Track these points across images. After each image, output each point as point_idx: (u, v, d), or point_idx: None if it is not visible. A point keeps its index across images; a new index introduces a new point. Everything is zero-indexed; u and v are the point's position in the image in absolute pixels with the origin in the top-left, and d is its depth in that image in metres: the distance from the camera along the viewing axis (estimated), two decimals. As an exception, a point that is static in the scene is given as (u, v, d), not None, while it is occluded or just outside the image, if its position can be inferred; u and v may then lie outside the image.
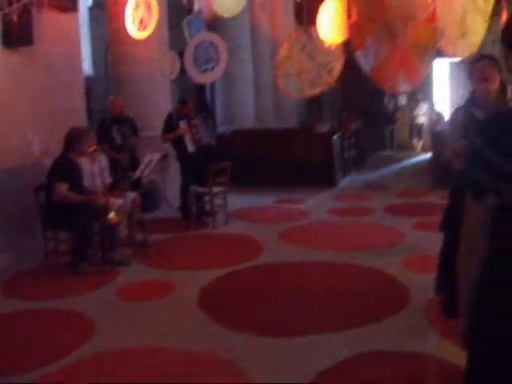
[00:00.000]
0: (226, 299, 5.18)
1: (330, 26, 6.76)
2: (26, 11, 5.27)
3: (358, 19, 5.80)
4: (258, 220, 8.47)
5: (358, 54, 5.85)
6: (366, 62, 5.76)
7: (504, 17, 8.18)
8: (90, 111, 8.25)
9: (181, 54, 10.18)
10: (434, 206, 9.09)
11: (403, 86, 6.10)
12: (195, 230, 7.91)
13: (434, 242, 6.71)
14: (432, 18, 5.30)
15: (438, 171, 10.82)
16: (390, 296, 5.12)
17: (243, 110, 13.78)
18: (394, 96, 18.29)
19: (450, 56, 6.08)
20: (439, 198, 9.61)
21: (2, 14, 4.82)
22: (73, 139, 6.09)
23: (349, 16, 6.30)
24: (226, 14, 7.21)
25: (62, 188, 5.88)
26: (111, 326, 4.56)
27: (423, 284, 5.25)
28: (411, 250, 6.52)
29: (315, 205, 9.52)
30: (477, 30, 5.26)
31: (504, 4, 6.43)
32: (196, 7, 13.72)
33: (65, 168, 6.01)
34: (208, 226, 8.08)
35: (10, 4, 4.52)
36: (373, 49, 5.67)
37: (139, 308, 5.00)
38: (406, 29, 5.29)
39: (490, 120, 1.86)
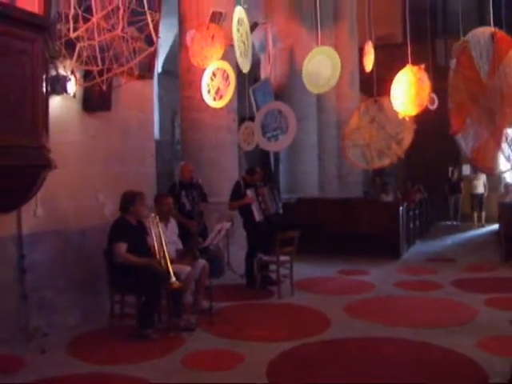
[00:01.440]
0: (295, 374, 5.02)
1: (404, 98, 6.74)
2: (108, 80, 5.46)
3: (458, 100, 5.79)
4: (324, 291, 8.31)
5: (458, 137, 5.80)
6: (466, 143, 5.71)
7: None
8: (156, 175, 8.38)
9: (242, 121, 10.36)
10: (506, 281, 8.80)
11: (500, 167, 6.01)
12: (260, 298, 7.82)
13: (510, 320, 6.48)
14: None
15: (508, 244, 10.51)
16: (466, 380, 4.87)
17: (307, 178, 13.82)
18: (458, 166, 18.10)
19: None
20: (511, 273, 9.31)
21: (92, 83, 5.00)
22: (127, 202, 6.17)
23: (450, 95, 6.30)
24: (317, 91, 7.26)
25: (122, 248, 5.94)
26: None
27: (502, 367, 5.00)
28: (486, 330, 6.21)
29: (380, 277, 9.31)
30: None
31: None
32: (262, 75, 14.06)
33: (122, 229, 6.08)
34: (273, 295, 7.97)
35: (99, 73, 4.70)
36: (472, 130, 5.63)
37: (207, 379, 4.88)
38: (503, 109, 5.24)
39: None
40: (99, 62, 4.76)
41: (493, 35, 5.67)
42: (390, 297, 8.00)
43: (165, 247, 5.96)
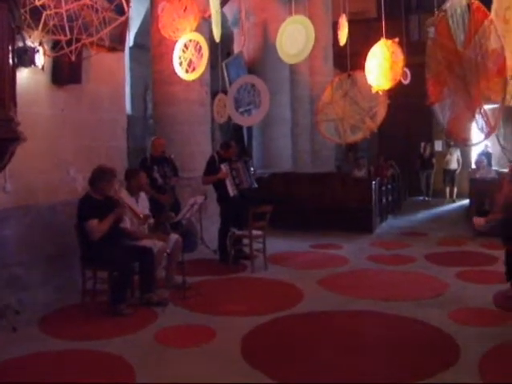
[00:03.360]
0: (269, 348, 5.02)
1: (378, 72, 6.71)
2: (79, 51, 5.32)
3: (435, 70, 5.78)
4: (297, 265, 8.33)
5: (435, 107, 5.80)
6: (442, 114, 5.72)
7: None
8: (128, 150, 8.27)
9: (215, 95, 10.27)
10: (476, 255, 8.92)
11: (474, 139, 6.04)
12: (233, 273, 7.82)
13: (480, 293, 6.59)
14: (503, 68, 5.24)
15: (478, 220, 10.61)
16: (438, 350, 4.92)
17: (280, 152, 13.79)
18: (430, 142, 18.22)
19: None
20: (481, 247, 9.44)
21: (60, 54, 4.87)
22: (96, 179, 6.07)
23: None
24: (290, 61, 7.17)
25: (93, 224, 5.83)
26: (151, 374, 4.43)
27: (473, 338, 5.08)
28: (457, 302, 6.30)
29: (353, 251, 9.36)
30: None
31: None
32: (235, 49, 13.92)
33: (89, 206, 5.97)
34: (246, 269, 7.98)
35: (67, 43, 4.56)
36: (449, 100, 5.63)
37: (180, 354, 4.85)
38: (478, 80, 5.24)
39: None
40: (67, 32, 4.63)
41: (469, 5, 5.67)
42: (362, 270, 8.05)
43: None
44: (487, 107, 5.64)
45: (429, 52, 6.20)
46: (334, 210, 11.20)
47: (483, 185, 11.06)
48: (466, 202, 15.24)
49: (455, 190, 17.38)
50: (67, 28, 4.72)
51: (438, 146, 18.77)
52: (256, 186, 8.64)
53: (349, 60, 8.97)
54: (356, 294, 6.67)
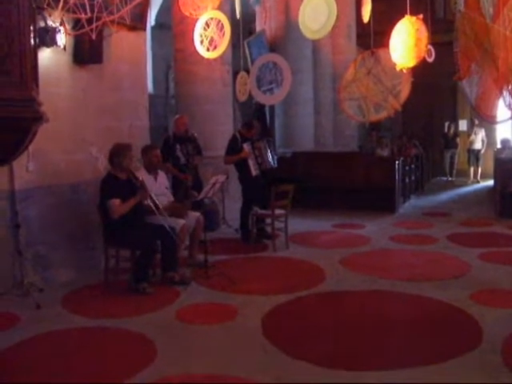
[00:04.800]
0: (290, 327, 5.03)
1: (402, 49, 6.61)
2: (99, 30, 5.30)
3: (464, 44, 5.66)
4: (318, 244, 8.32)
5: (464, 83, 5.70)
6: (470, 90, 5.62)
7: None
8: (150, 129, 8.28)
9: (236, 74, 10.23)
10: (500, 237, 8.83)
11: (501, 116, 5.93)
12: (255, 252, 7.83)
13: (503, 274, 6.52)
14: None
15: (502, 200, 10.51)
16: (459, 332, 4.88)
17: (302, 132, 13.69)
18: (455, 121, 18.00)
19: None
20: (506, 228, 9.34)
21: (81, 32, 4.86)
22: (113, 155, 6.09)
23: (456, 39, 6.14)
24: (312, 37, 7.09)
25: (115, 204, 5.85)
26: (173, 350, 4.48)
27: (495, 320, 5.04)
28: (479, 283, 6.25)
29: (375, 231, 9.32)
30: None
31: None
32: (258, 27, 13.81)
33: (110, 185, 5.99)
34: (268, 248, 7.98)
35: (88, 22, 4.54)
36: (477, 76, 5.53)
37: (201, 332, 4.90)
38: (507, 54, 5.13)
39: None
40: (88, 10, 4.61)
41: None
42: (385, 250, 8.01)
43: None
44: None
45: (457, 25, 6.07)
46: (356, 189, 11.14)
47: (509, 165, 10.90)
48: (491, 182, 15.09)
49: (479, 170, 17.16)
50: (88, 6, 4.70)
51: (463, 125, 18.51)
52: (276, 165, 8.61)
53: (372, 38, 8.85)
54: (378, 274, 6.64)
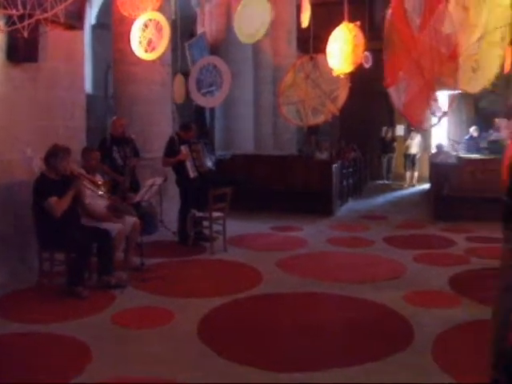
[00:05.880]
0: (226, 330, 5.03)
1: (340, 55, 6.71)
2: (34, 27, 5.17)
3: (392, 52, 5.79)
4: (256, 247, 8.36)
5: (391, 90, 5.83)
6: (398, 97, 5.76)
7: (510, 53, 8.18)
8: (88, 130, 8.13)
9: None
10: (434, 238, 9.07)
11: (429, 123, 6.11)
12: (193, 255, 7.80)
13: (436, 275, 6.71)
14: (454, 54, 5.31)
15: (438, 203, 10.81)
16: (392, 332, 5.00)
17: (242, 135, 13.75)
18: (392, 126, 18.39)
19: (460, 89, 6.08)
20: (440, 230, 9.60)
21: (12, 29, 4.71)
22: (50, 156, 5.97)
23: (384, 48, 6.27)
24: (247, 41, 7.12)
25: (53, 201, 5.72)
26: (108, 354, 4.41)
27: (427, 320, 5.18)
28: (413, 284, 6.41)
29: (313, 233, 9.43)
30: (489, 65, 5.24)
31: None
32: (199, 30, 13.79)
33: (44, 186, 5.87)
34: (206, 251, 7.96)
35: (20, 18, 4.41)
36: (404, 83, 5.67)
37: (137, 336, 4.84)
38: (432, 64, 5.29)
39: None
40: (19, 6, 4.49)
41: None
42: (322, 253, 8.11)
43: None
44: (442, 92, 5.71)
45: (386, 34, 6.22)
46: (294, 192, 11.24)
47: (443, 169, 11.21)
48: (426, 186, 15.50)
49: (416, 174, 17.60)
50: (19, 2, 4.58)
51: (400, 130, 18.93)
52: (214, 168, 8.63)
53: (311, 43, 8.96)
54: (314, 276, 6.72)
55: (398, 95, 5.78)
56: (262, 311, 5.60)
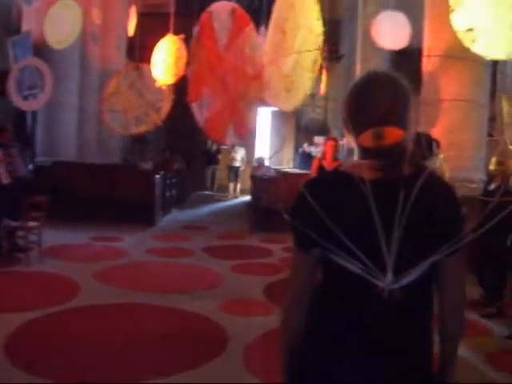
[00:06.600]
0: (37, 346, 4.82)
1: (163, 66, 6.78)
2: None
3: (198, 68, 5.92)
4: (74, 258, 8.09)
5: (194, 105, 5.95)
6: (199, 112, 5.88)
7: (324, 76, 8.75)
8: None
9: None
10: (252, 249, 9.41)
11: (231, 139, 6.31)
12: (6, 266, 7.36)
13: (251, 284, 6.97)
14: (259, 74, 5.58)
15: (257, 215, 11.22)
16: (207, 341, 5.12)
17: (66, 141, 13.23)
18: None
19: (274, 107, 6.41)
20: (258, 241, 9.98)
21: None
22: None
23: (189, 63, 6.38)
24: (57, 47, 6.93)
25: None
26: None
27: (241, 328, 5.36)
28: (230, 293, 6.61)
29: (134, 244, 9.36)
30: (302, 86, 5.56)
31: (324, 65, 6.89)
32: (24, 27, 13.10)
33: None
34: (21, 263, 7.57)
35: None
36: (207, 100, 5.82)
37: None
38: (237, 83, 5.50)
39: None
40: None
41: (233, 11, 5.95)
42: (142, 263, 8.09)
43: None
44: (247, 110, 5.98)
45: (192, 51, 6.36)
46: (117, 201, 11.04)
47: (262, 182, 11.66)
48: (249, 197, 16.01)
49: (239, 186, 18.14)
50: None
51: (225, 142, 19.36)
52: (31, 174, 8.26)
53: (138, 52, 8.96)
54: (132, 287, 6.68)
55: (200, 110, 5.94)
56: (79, 324, 5.45)
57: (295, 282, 1.88)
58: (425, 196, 1.61)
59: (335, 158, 6.99)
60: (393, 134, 1.62)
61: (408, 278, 1.62)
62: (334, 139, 7.08)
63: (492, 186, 5.96)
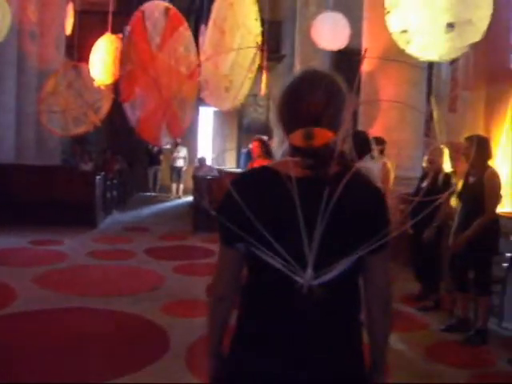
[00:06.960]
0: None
1: (102, 65, 6.68)
2: None
3: (130, 68, 5.87)
4: (11, 263, 7.85)
5: (126, 105, 5.90)
6: (132, 113, 5.83)
7: (265, 76, 8.80)
8: None
9: None
10: (194, 249, 9.39)
11: (166, 139, 6.29)
12: None
13: (193, 285, 6.94)
14: (194, 73, 5.57)
15: (199, 215, 11.20)
16: (149, 342, 5.08)
17: (2, 143, 12.89)
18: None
19: (213, 107, 6.41)
20: (199, 241, 9.96)
21: None
22: None
23: (121, 63, 6.31)
24: None
25: None
26: None
27: (183, 329, 5.34)
28: (171, 295, 6.57)
29: (74, 246, 9.18)
30: (240, 86, 5.58)
31: (265, 65, 6.93)
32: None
33: None
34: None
35: None
36: (140, 100, 5.77)
37: None
38: (170, 83, 5.48)
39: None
40: None
41: (167, 10, 5.92)
42: (82, 266, 7.94)
43: None
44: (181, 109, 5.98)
45: (124, 50, 6.31)
46: (57, 204, 10.82)
47: (203, 182, 11.64)
48: (191, 198, 15.95)
49: (181, 186, 18.04)
50: None
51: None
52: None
53: (77, 51, 8.81)
54: (73, 291, 6.56)
55: (132, 111, 5.91)
56: (17, 330, 5.30)
57: (221, 278, 1.90)
58: (349, 194, 1.63)
59: (265, 157, 6.98)
60: (323, 135, 1.65)
61: (329, 275, 1.64)
62: (259, 139, 7.09)
63: (424, 184, 6.15)
